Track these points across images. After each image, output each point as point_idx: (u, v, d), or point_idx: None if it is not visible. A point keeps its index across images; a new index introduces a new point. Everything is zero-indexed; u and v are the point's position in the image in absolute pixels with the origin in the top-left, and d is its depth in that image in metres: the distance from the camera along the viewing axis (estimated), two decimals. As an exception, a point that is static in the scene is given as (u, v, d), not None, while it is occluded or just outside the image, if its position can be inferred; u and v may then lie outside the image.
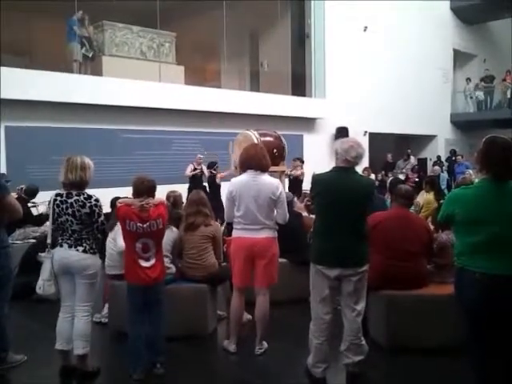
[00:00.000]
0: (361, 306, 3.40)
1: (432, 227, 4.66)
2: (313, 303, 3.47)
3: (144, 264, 3.64)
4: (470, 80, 19.08)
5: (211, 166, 10.33)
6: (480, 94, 18.85)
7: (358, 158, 3.36)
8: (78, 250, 3.51)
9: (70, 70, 10.66)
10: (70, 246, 3.52)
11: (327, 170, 3.54)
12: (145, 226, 3.59)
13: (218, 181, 9.95)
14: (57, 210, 3.52)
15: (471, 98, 19.04)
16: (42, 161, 9.18)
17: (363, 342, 3.44)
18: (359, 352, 3.42)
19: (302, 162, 11.03)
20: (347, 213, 3.30)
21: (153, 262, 3.66)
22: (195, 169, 10.28)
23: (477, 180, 8.96)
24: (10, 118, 9.10)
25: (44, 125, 9.71)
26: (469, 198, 2.75)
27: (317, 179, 3.49)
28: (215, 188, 9.93)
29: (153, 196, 3.80)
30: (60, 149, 8.75)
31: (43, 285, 3.61)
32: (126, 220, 3.61)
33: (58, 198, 3.53)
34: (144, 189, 3.71)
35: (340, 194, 3.32)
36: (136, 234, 3.62)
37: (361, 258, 3.36)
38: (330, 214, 3.38)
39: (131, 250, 3.66)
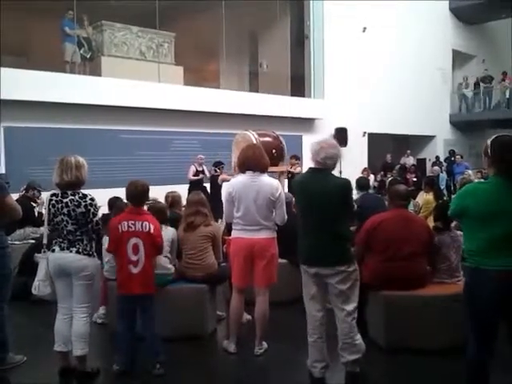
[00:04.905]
0: (350, 307, 3.40)
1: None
2: (305, 301, 3.54)
3: (133, 270, 3.65)
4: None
5: (217, 164, 10.30)
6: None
7: (328, 159, 3.36)
8: (71, 252, 3.50)
9: (67, 71, 10.68)
10: (62, 249, 3.52)
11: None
12: (137, 224, 3.66)
13: (219, 181, 9.92)
14: (52, 210, 3.52)
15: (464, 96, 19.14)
16: (41, 161, 9.16)
17: (357, 341, 3.44)
18: (354, 351, 3.42)
19: (298, 159, 11.01)
20: (321, 213, 3.34)
21: (140, 267, 3.65)
22: (197, 171, 10.28)
23: (476, 180, 9.01)
24: (9, 118, 9.09)
25: (43, 125, 9.71)
26: (482, 192, 2.78)
27: (294, 180, 3.63)
28: (217, 187, 9.89)
29: (146, 199, 3.86)
30: (59, 149, 8.64)
31: (38, 285, 3.62)
32: (120, 223, 3.67)
33: (54, 198, 3.52)
34: (137, 193, 3.76)
35: (313, 194, 3.36)
36: (127, 234, 3.66)
37: (338, 257, 3.36)
38: (305, 214, 3.46)
39: (123, 256, 3.68)
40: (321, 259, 3.35)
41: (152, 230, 3.69)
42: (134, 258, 3.66)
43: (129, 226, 3.67)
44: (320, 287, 3.43)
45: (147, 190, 3.83)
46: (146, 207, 4.81)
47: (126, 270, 3.67)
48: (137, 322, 3.77)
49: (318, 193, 3.34)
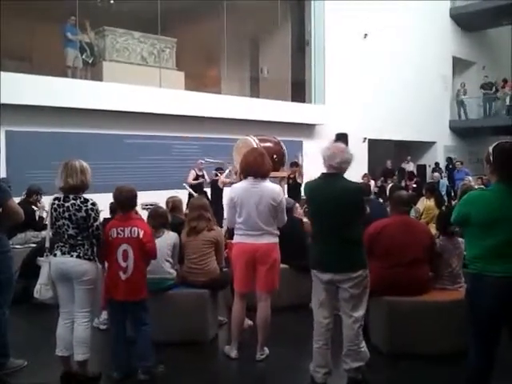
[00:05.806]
0: (359, 313, 3.39)
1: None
2: (313, 307, 3.54)
3: (122, 277, 3.63)
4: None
5: (218, 169, 10.29)
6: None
7: (343, 164, 3.37)
8: (72, 256, 3.49)
9: (69, 76, 10.72)
10: (63, 253, 3.51)
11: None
12: (125, 230, 3.63)
13: (219, 184, 9.91)
14: (54, 214, 3.53)
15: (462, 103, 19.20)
16: (43, 166, 9.17)
17: (362, 349, 3.44)
18: (358, 358, 3.42)
19: (298, 166, 11.02)
20: (334, 218, 3.34)
21: (129, 274, 3.62)
22: (197, 176, 10.29)
23: (476, 186, 9.04)
24: (11, 122, 9.12)
25: (44, 130, 9.74)
26: (483, 199, 2.79)
27: (306, 186, 3.60)
28: (218, 192, 9.88)
29: (134, 204, 3.81)
30: (61, 154, 8.71)
31: (40, 289, 3.63)
32: (110, 230, 3.66)
33: (56, 202, 3.52)
34: (123, 199, 3.73)
35: (325, 200, 3.36)
36: (117, 241, 3.64)
37: (351, 263, 3.36)
38: (318, 219, 3.46)
39: (113, 262, 3.67)
40: (334, 265, 3.34)
41: (141, 236, 3.64)
42: (123, 264, 3.63)
43: (118, 233, 3.64)
44: (330, 293, 3.42)
45: (134, 196, 3.77)
46: (146, 212, 4.84)
47: (115, 276, 3.64)
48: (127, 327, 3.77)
49: (332, 198, 3.33)
